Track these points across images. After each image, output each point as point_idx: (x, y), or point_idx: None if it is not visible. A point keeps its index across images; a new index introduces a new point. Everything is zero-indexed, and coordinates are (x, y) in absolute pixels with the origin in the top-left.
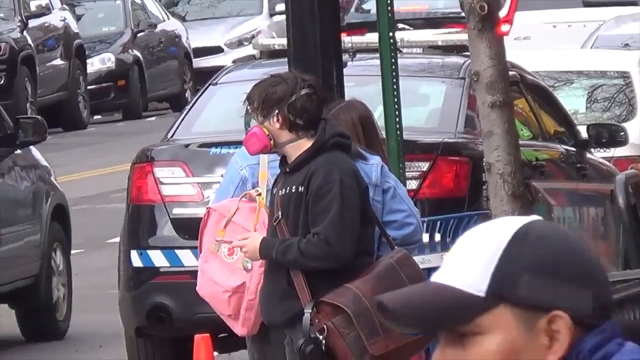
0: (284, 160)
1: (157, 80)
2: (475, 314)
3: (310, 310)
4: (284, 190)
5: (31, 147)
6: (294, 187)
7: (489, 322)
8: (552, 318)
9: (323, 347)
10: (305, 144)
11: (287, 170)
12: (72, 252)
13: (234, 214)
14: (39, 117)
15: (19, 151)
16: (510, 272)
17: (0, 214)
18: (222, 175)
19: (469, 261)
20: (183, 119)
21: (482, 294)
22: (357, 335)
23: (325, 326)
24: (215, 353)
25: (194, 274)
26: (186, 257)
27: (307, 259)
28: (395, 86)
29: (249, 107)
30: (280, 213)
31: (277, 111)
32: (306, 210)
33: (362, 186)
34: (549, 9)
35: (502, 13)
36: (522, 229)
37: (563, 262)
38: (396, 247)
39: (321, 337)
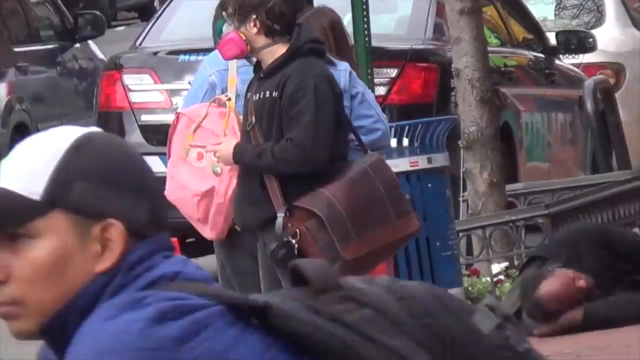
0: (258, 65)
1: None
2: (29, 218)
3: (283, 214)
4: (258, 95)
5: (89, 41)
6: (268, 92)
7: (44, 227)
8: (105, 226)
9: (296, 251)
10: (281, 49)
11: (262, 75)
12: None
13: (204, 118)
14: (98, 12)
15: (78, 45)
16: (65, 178)
17: (62, 105)
18: (190, 82)
19: (26, 166)
20: (152, 26)
21: (37, 197)
22: (330, 240)
23: (298, 230)
24: None
25: (162, 179)
26: (154, 164)
27: (280, 164)
28: None
29: (223, 13)
30: (254, 118)
31: (254, 16)
32: (280, 116)
33: (337, 91)
34: None
35: None
36: (81, 138)
37: (119, 172)
38: (369, 151)
39: (294, 241)
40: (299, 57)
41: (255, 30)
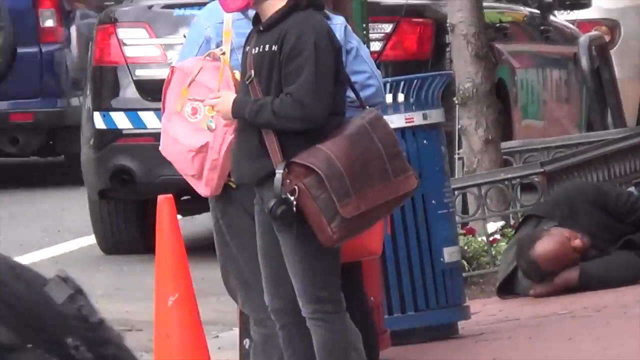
0: (257, 18)
1: None
2: None
3: (281, 171)
4: (257, 49)
5: None
6: (267, 45)
7: None
8: None
9: (294, 208)
10: (280, 2)
11: (261, 28)
12: None
13: (198, 72)
14: None
15: None
16: None
17: None
18: (184, 36)
19: None
20: None
21: None
22: (329, 197)
23: (296, 187)
24: (179, 216)
25: (157, 136)
26: (149, 119)
27: (280, 119)
28: None
29: None
30: (253, 72)
31: None
32: (279, 70)
33: (336, 46)
34: None
35: None
36: None
37: None
38: (367, 107)
39: (292, 197)
40: (299, 10)
41: None
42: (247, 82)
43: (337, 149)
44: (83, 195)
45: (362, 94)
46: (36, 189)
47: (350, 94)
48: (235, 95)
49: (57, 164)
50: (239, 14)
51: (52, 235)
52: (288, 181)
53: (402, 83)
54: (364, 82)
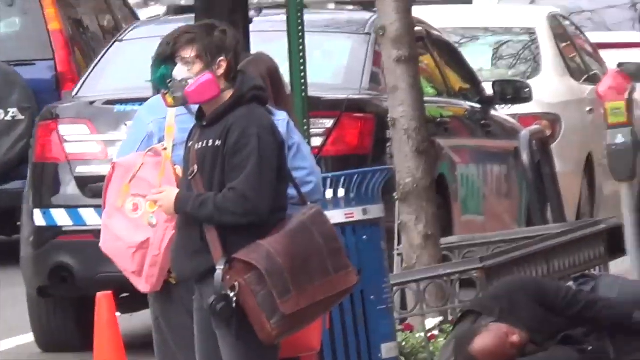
0: (200, 112)
1: None
2: None
3: (222, 267)
4: (200, 144)
5: None
6: (210, 140)
7: None
8: None
9: (234, 305)
10: (224, 96)
11: (204, 123)
12: None
13: (140, 168)
14: None
15: None
16: None
17: None
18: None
19: None
20: (88, 76)
21: None
22: (269, 293)
23: (236, 283)
24: (118, 313)
25: (97, 232)
26: (89, 216)
27: (222, 214)
28: (301, 43)
29: (179, 57)
30: (195, 167)
31: (221, 58)
32: (222, 165)
33: (279, 141)
34: None
35: None
36: None
37: None
38: (309, 204)
39: (232, 294)
40: (242, 104)
41: (221, 72)
42: (189, 178)
43: (278, 245)
44: (22, 292)
45: (301, 190)
46: None
47: (290, 190)
48: (177, 190)
49: None
50: (181, 108)
51: None
52: (228, 277)
53: (343, 178)
54: (304, 178)
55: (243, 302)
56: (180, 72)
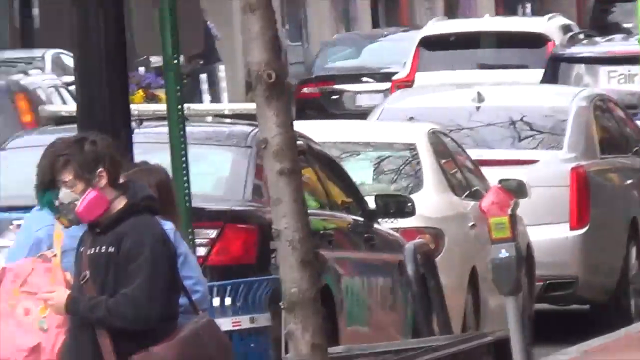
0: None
1: None
2: None
3: None
4: (93, 249)
5: None
6: (104, 247)
7: None
8: None
9: None
10: (117, 204)
11: (97, 230)
12: None
13: (30, 273)
14: None
15: None
16: None
17: None
18: (12, 240)
19: None
20: None
21: None
22: None
23: None
24: None
25: None
26: None
27: (114, 317)
28: (184, 155)
29: (61, 182)
30: (88, 272)
31: (100, 169)
32: (115, 271)
33: (171, 250)
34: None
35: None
36: None
37: None
38: (201, 310)
39: None
40: (135, 214)
41: (103, 182)
42: (81, 283)
43: (171, 352)
44: None
45: (182, 300)
46: None
47: (181, 299)
48: (69, 291)
49: None
50: None
51: None
52: None
53: (229, 287)
54: (191, 287)
55: None
56: (65, 195)
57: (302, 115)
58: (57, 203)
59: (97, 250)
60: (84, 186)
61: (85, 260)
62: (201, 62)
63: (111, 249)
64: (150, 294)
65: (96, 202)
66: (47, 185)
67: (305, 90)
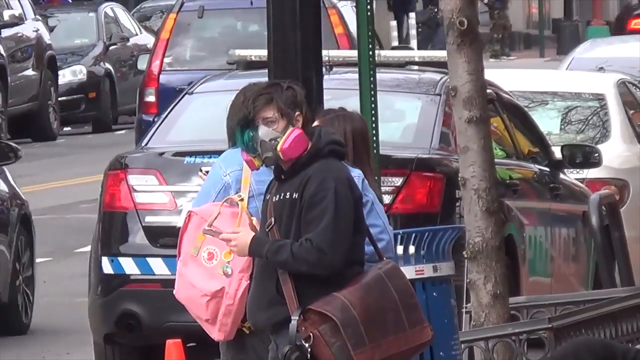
0: (278, 166)
1: (128, 94)
2: None
3: (297, 317)
4: (277, 196)
5: None
6: (288, 193)
7: None
8: None
9: (308, 355)
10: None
11: (282, 177)
12: (41, 260)
13: (215, 218)
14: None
15: None
16: None
17: None
18: (198, 185)
19: None
20: (158, 127)
21: None
22: (344, 345)
23: (311, 334)
24: None
25: (164, 282)
26: (157, 266)
27: (298, 262)
28: (373, 101)
29: (259, 121)
30: (273, 219)
31: (297, 112)
32: (299, 218)
33: (356, 195)
34: None
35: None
36: None
37: None
38: (385, 258)
39: (307, 345)
40: (320, 158)
41: (299, 126)
42: (267, 229)
43: (354, 298)
44: (89, 339)
45: (372, 248)
46: None
47: (366, 246)
48: (254, 233)
49: None
50: None
51: None
52: (303, 328)
53: (414, 235)
54: (377, 235)
55: (318, 353)
56: (266, 133)
57: None
58: (255, 141)
59: (281, 197)
60: (286, 124)
61: (270, 207)
62: (435, 10)
63: (295, 195)
64: (333, 241)
65: (300, 140)
66: (246, 123)
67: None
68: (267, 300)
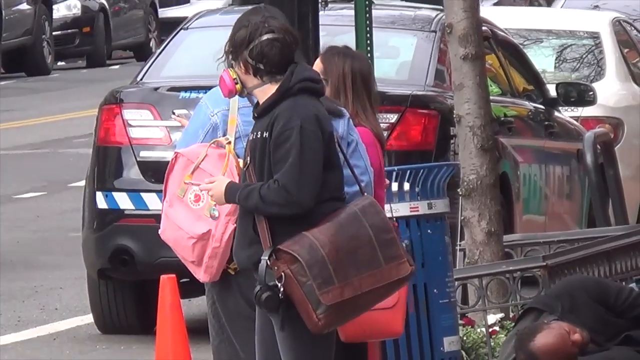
0: (256, 105)
1: (122, 29)
2: None
3: (266, 257)
4: (252, 135)
5: None
6: (259, 132)
7: None
8: None
9: (280, 295)
10: (272, 88)
11: (256, 115)
12: (34, 194)
13: (202, 160)
14: None
15: None
16: None
17: None
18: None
19: None
20: (153, 62)
21: None
22: (312, 284)
23: (283, 273)
24: None
25: (158, 217)
26: (151, 201)
27: (267, 205)
28: (368, 37)
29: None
30: (249, 159)
31: (240, 55)
32: (269, 156)
33: (326, 130)
34: None
35: None
36: None
37: None
38: (365, 194)
39: (279, 284)
40: (290, 96)
41: (243, 69)
42: (244, 169)
43: (323, 236)
44: (82, 274)
45: (353, 188)
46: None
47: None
48: (228, 180)
49: None
50: (245, 101)
51: (49, 313)
52: (276, 268)
53: (409, 172)
54: (357, 176)
55: (290, 292)
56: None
57: None
58: None
59: (254, 136)
60: (232, 64)
61: (248, 145)
62: None
63: (265, 134)
64: (299, 179)
65: (222, 82)
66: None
67: None
68: (248, 239)
